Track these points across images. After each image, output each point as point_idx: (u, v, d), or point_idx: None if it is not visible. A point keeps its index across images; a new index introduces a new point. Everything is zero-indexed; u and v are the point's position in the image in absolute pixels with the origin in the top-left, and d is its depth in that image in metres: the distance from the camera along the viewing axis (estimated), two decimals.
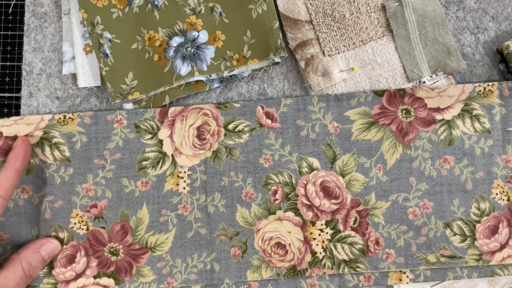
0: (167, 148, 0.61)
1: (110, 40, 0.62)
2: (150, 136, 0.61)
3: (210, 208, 0.60)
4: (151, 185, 0.61)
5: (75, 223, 0.61)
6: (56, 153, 0.61)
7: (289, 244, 0.59)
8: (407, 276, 0.59)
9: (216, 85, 0.62)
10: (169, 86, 0.62)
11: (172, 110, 0.61)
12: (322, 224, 0.59)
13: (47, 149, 0.61)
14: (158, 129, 0.61)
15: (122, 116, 0.62)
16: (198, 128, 0.61)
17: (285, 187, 0.60)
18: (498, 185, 0.59)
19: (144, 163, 0.61)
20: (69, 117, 0.61)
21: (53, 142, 0.61)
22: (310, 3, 0.62)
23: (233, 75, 0.63)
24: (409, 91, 0.60)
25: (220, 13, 0.62)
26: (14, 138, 0.60)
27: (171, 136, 0.61)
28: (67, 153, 0.61)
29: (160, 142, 0.61)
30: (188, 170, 0.61)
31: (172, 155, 0.61)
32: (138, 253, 0.60)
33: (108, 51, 0.62)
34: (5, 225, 0.61)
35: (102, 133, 0.61)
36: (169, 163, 0.61)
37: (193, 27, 0.62)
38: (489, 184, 0.59)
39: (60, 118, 0.61)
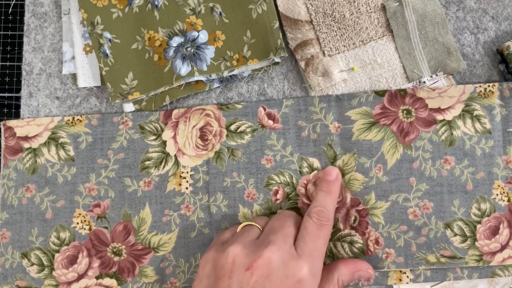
0: (170, 148, 0.61)
1: (110, 40, 0.62)
2: (154, 137, 0.61)
3: (213, 208, 0.60)
4: (153, 185, 0.61)
5: (77, 223, 0.61)
6: (61, 152, 0.61)
7: None
8: (407, 276, 0.59)
9: (216, 85, 0.62)
10: (169, 86, 0.62)
11: (176, 112, 0.62)
12: None
13: (53, 148, 0.62)
14: (162, 130, 0.61)
15: (128, 118, 0.62)
16: (200, 129, 0.61)
17: (286, 187, 0.60)
18: (499, 185, 0.59)
19: (147, 163, 0.61)
20: (78, 119, 0.62)
21: (60, 142, 0.62)
22: (310, 3, 0.62)
23: (233, 75, 0.63)
24: (410, 92, 0.60)
25: (220, 13, 0.62)
26: (25, 138, 0.62)
27: (174, 137, 0.61)
28: (72, 153, 0.61)
29: (164, 143, 0.61)
30: (191, 171, 0.61)
31: (175, 156, 0.61)
32: (141, 253, 0.60)
33: (108, 51, 0.62)
34: (9, 222, 0.61)
35: (107, 133, 0.62)
36: (171, 163, 0.61)
37: (193, 27, 0.62)
38: (489, 184, 0.59)
39: (69, 119, 0.62)
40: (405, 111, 0.60)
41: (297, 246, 0.52)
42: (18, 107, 0.64)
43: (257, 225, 0.55)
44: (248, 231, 0.54)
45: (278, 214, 0.57)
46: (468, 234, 0.58)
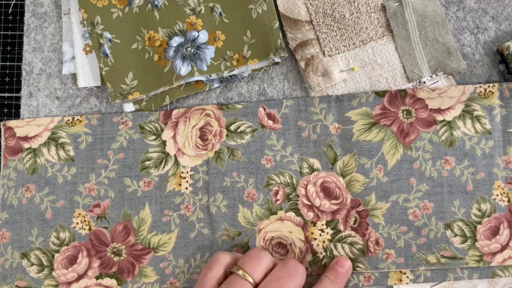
0: (170, 148, 0.61)
1: (110, 40, 0.62)
2: (154, 137, 0.61)
3: (212, 209, 0.60)
4: (153, 185, 0.61)
5: (77, 223, 0.61)
6: (61, 152, 0.61)
7: (290, 244, 0.60)
8: (407, 277, 0.59)
9: (216, 85, 0.62)
10: (169, 86, 0.62)
11: (175, 112, 0.62)
12: (322, 224, 0.59)
13: (53, 148, 0.62)
14: (162, 130, 0.61)
15: (128, 118, 0.62)
16: (200, 129, 0.61)
17: (286, 187, 0.60)
18: (499, 186, 0.59)
19: (147, 163, 0.61)
20: (77, 119, 0.62)
21: (60, 142, 0.62)
22: (310, 3, 0.62)
23: (233, 75, 0.63)
24: (410, 92, 0.60)
25: (220, 13, 0.62)
26: (25, 138, 0.62)
27: (174, 137, 0.61)
28: (72, 153, 0.61)
29: (164, 143, 0.61)
30: (191, 171, 0.61)
31: (175, 156, 0.61)
32: (140, 253, 0.60)
33: (108, 51, 0.62)
34: (9, 222, 0.61)
35: (107, 134, 0.62)
36: (171, 163, 0.61)
37: (193, 27, 0.62)
38: (489, 185, 0.59)
39: (69, 120, 0.62)
40: (405, 112, 0.60)
41: None
42: (18, 107, 0.64)
43: (249, 281, 0.52)
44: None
45: (279, 269, 0.53)
46: (468, 234, 0.58)
